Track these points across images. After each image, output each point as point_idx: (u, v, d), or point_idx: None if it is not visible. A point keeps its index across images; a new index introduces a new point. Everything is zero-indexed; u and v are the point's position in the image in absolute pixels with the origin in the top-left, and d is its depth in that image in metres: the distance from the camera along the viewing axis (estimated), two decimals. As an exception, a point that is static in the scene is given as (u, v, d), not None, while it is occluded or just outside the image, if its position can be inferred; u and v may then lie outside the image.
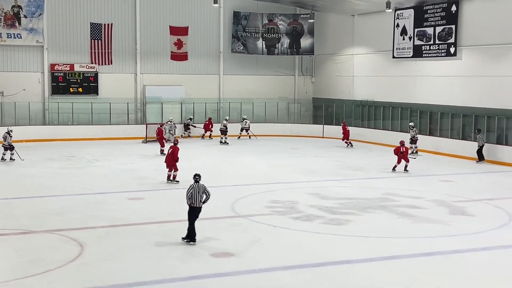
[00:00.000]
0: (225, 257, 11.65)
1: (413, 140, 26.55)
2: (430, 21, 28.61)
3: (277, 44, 36.06)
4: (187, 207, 12.45)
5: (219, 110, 35.22)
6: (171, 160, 19.10)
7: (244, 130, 32.42)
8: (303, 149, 28.84)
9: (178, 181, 18.94)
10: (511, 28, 24.80)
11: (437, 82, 28.71)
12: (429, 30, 28.64)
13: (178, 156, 19.14)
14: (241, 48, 35.56)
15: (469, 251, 12.17)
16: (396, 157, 21.87)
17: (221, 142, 30.25)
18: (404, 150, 21.79)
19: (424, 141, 27.14)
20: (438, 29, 28.10)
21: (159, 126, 27.66)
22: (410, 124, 27.52)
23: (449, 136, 27.26)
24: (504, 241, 12.90)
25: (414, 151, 26.30)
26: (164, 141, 26.76)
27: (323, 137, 33.45)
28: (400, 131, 29.81)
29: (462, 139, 26.74)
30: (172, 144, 19.77)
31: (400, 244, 12.65)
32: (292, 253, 11.95)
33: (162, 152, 25.19)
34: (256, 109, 35.45)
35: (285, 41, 36.13)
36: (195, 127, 32.61)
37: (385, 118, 31.67)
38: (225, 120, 31.57)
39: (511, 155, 24.16)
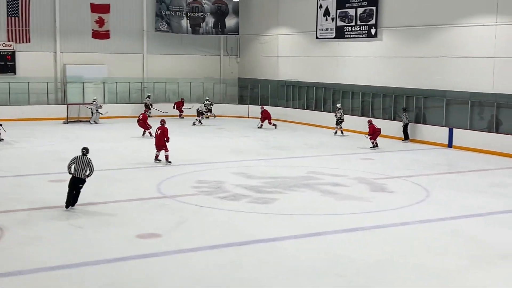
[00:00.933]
0: (151, 238, 11.57)
1: (339, 121, 27.06)
2: (352, 3, 29.17)
3: (201, 24, 35.79)
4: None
5: (143, 90, 34.65)
6: (161, 141, 18.90)
7: (208, 111, 31.90)
8: (229, 129, 28.90)
9: (170, 162, 18.99)
10: (429, 10, 25.66)
11: (359, 62, 29.39)
12: (351, 12, 29.21)
13: (168, 135, 19.17)
14: (165, 27, 35.05)
15: (389, 226, 12.62)
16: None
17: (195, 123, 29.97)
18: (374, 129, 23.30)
19: (349, 121, 27.71)
20: (360, 10, 28.69)
21: (142, 112, 27.03)
22: (338, 105, 28.02)
23: (371, 115, 28.01)
24: (421, 216, 13.45)
25: (339, 132, 26.88)
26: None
27: (248, 117, 33.60)
28: (324, 111, 30.42)
29: (383, 118, 27.55)
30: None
31: (323, 221, 12.96)
32: (219, 233, 12.01)
33: (150, 134, 24.42)
34: (181, 89, 35.15)
35: (210, 20, 35.91)
36: (151, 107, 31.83)
37: (309, 98, 32.16)
38: (207, 101, 31.64)
39: (428, 134, 25.15)
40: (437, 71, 25.49)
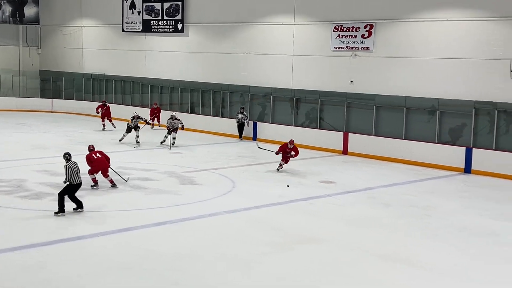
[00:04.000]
0: None
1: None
2: (158, -3, 29.20)
3: (-2, 12, 33.35)
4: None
5: None
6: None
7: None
8: (30, 124, 27.33)
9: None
10: (233, 7, 26.58)
11: (167, 57, 29.52)
12: (157, 6, 29.21)
13: None
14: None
15: (197, 218, 12.90)
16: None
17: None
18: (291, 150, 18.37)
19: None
20: (166, 5, 28.80)
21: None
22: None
23: (180, 110, 28.29)
24: (228, 206, 13.93)
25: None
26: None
27: (52, 112, 32.06)
28: (132, 105, 30.06)
29: (191, 112, 28.00)
30: None
31: (132, 216, 12.86)
32: (21, 233, 11.36)
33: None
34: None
35: (7, 9, 33.62)
36: None
37: (117, 92, 31.56)
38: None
39: (228, 127, 26.06)
40: (242, 67, 26.53)
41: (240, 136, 25.33)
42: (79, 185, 12.84)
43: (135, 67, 30.84)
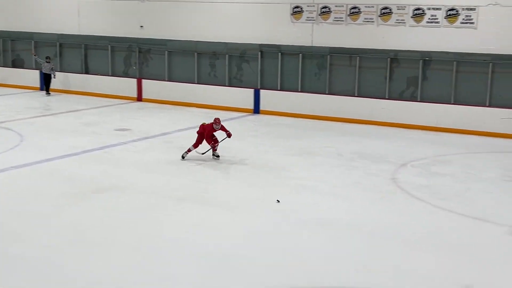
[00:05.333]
0: None
1: None
2: None
3: None
4: None
5: None
6: None
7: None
8: None
9: None
10: None
11: None
12: None
13: None
14: None
15: (-17, 176, 12.04)
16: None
17: None
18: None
19: None
20: None
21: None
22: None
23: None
24: (16, 161, 13.14)
25: None
26: None
27: None
28: None
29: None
30: None
31: None
32: None
33: None
34: None
35: None
36: None
37: None
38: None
39: (20, 78, 24.55)
40: (22, 11, 24.78)
41: (47, 89, 23.22)
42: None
43: None
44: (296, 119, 19.45)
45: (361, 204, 10.77)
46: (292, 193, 11.35)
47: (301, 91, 20.03)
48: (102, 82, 23.19)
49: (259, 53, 20.58)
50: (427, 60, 18.28)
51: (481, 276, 7.76)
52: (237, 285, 7.35)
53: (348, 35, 19.23)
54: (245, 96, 20.57)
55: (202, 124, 13.76)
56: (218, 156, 13.72)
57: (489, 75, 17.48)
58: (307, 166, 13.47)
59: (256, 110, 20.39)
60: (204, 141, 13.53)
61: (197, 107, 21.01)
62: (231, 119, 19.15)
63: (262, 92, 20.42)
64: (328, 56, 19.54)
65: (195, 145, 13.65)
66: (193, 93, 21.48)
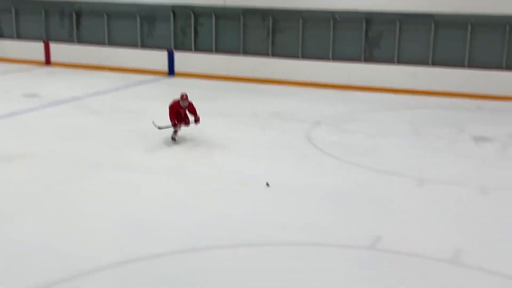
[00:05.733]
0: None
1: None
2: None
3: None
4: None
5: None
6: None
7: None
8: None
9: None
10: None
11: None
12: None
13: None
14: None
15: None
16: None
17: None
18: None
19: None
20: None
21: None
22: None
23: None
24: None
25: None
26: None
27: None
28: None
29: None
30: None
31: None
32: None
33: None
34: None
35: None
36: None
37: None
38: None
39: None
40: None
41: None
42: None
43: None
44: (211, 80, 19.40)
45: (278, 163, 10.98)
46: (209, 154, 11.41)
47: (216, 52, 19.95)
48: (6, 46, 22.12)
49: (171, 14, 20.24)
50: (336, 20, 18.62)
51: (392, 227, 8.17)
52: (160, 247, 7.37)
53: (260, -4, 19.25)
54: (158, 58, 20.25)
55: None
56: (175, 140, 12.02)
57: (397, 34, 18.05)
58: (223, 127, 13.54)
59: (171, 72, 20.16)
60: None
61: (110, 70, 20.50)
62: (146, 82, 18.86)
63: (176, 54, 20.17)
64: (241, 16, 19.50)
65: (175, 123, 11.87)
66: (104, 56, 20.90)
